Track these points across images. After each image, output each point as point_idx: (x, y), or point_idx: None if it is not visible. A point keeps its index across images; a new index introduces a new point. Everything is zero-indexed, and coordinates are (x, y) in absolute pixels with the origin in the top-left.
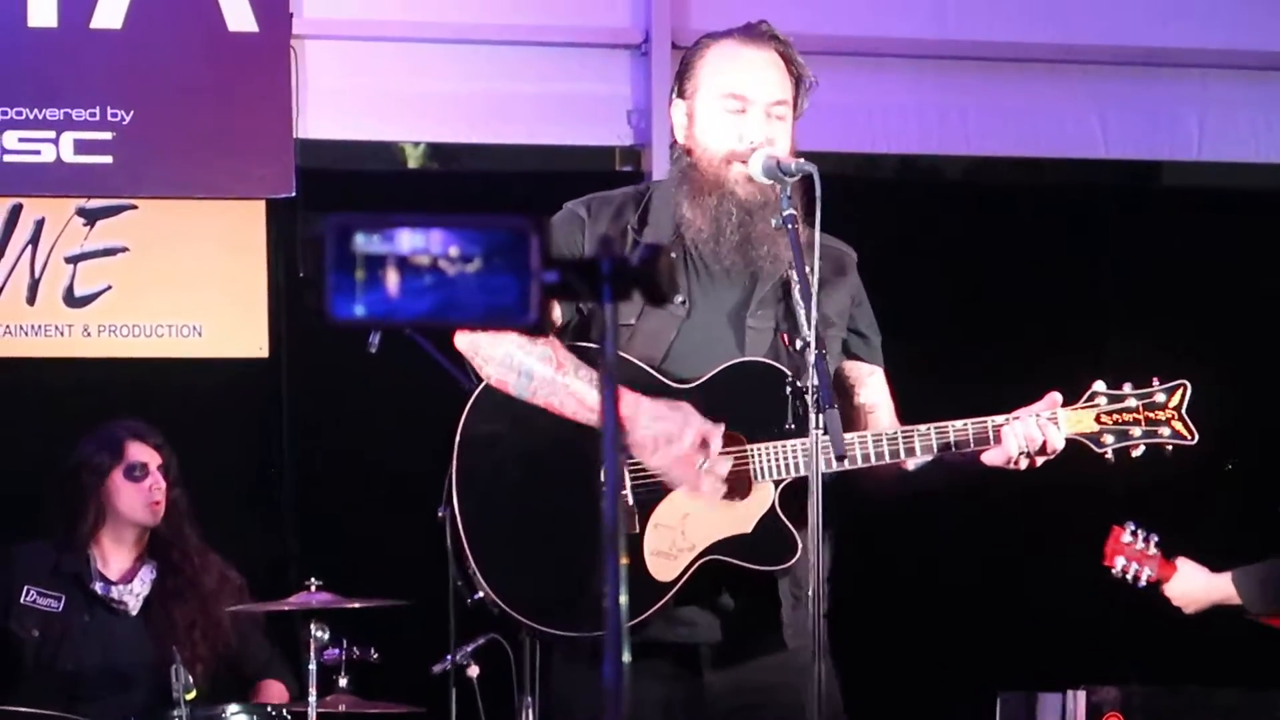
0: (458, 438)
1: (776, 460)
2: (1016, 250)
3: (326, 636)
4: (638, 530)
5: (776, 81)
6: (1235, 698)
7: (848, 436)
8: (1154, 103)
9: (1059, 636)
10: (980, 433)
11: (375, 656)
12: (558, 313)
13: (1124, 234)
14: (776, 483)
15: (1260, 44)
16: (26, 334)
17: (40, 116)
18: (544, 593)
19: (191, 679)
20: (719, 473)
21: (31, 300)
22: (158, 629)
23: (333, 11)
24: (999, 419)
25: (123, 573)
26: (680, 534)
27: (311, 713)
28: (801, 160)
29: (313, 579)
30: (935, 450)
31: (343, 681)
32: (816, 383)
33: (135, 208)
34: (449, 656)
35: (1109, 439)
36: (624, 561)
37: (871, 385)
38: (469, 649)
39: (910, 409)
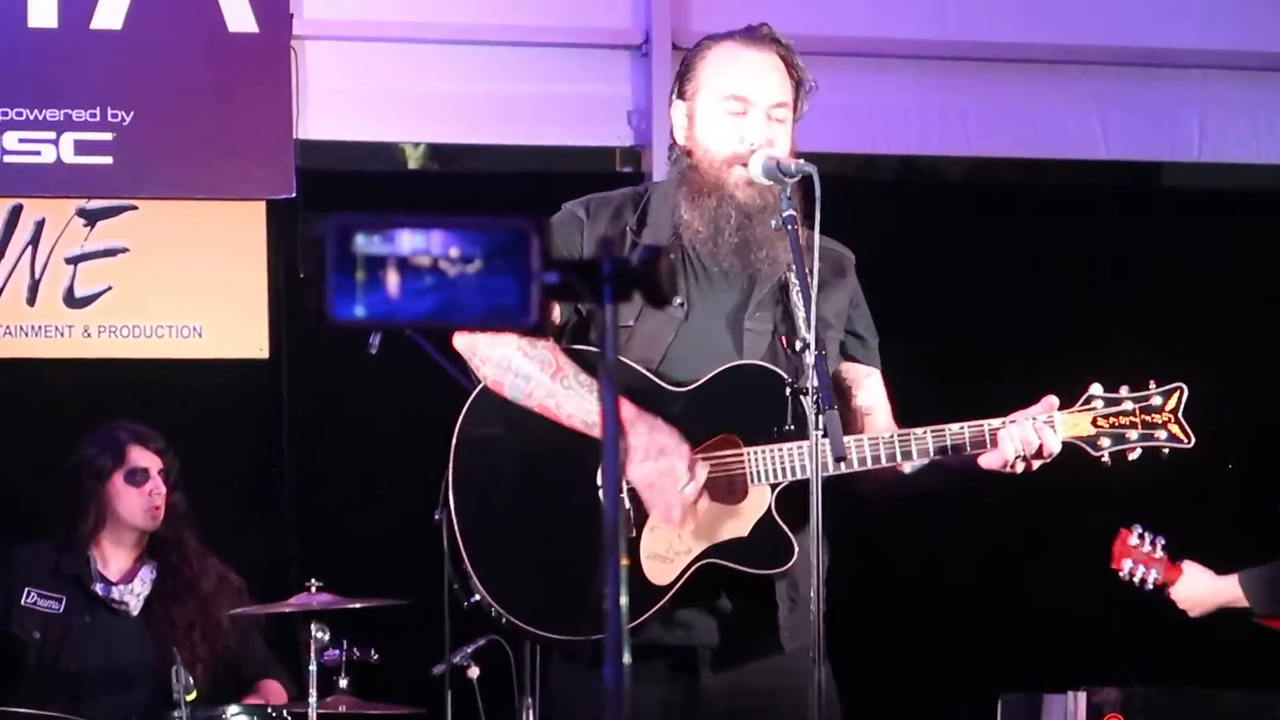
0: (454, 440)
1: (773, 463)
2: (1017, 251)
3: (327, 637)
4: (634, 534)
5: (777, 84)
6: (1236, 699)
7: (845, 439)
8: (1155, 104)
9: (1060, 638)
10: (977, 436)
11: (375, 657)
12: (556, 313)
13: (1124, 235)
14: (773, 486)
15: (1261, 45)
16: (27, 335)
17: (40, 117)
18: (540, 596)
19: (192, 680)
20: (687, 502)
21: (32, 301)
22: (158, 629)
23: (333, 12)
24: (995, 422)
25: (123, 573)
26: (677, 537)
27: (312, 713)
28: (801, 161)
29: (313, 580)
30: (932, 454)
31: (343, 682)
32: (816, 384)
33: (135, 208)
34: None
35: (1105, 442)
36: (624, 563)
37: (869, 388)
38: (469, 650)
39: (909, 410)
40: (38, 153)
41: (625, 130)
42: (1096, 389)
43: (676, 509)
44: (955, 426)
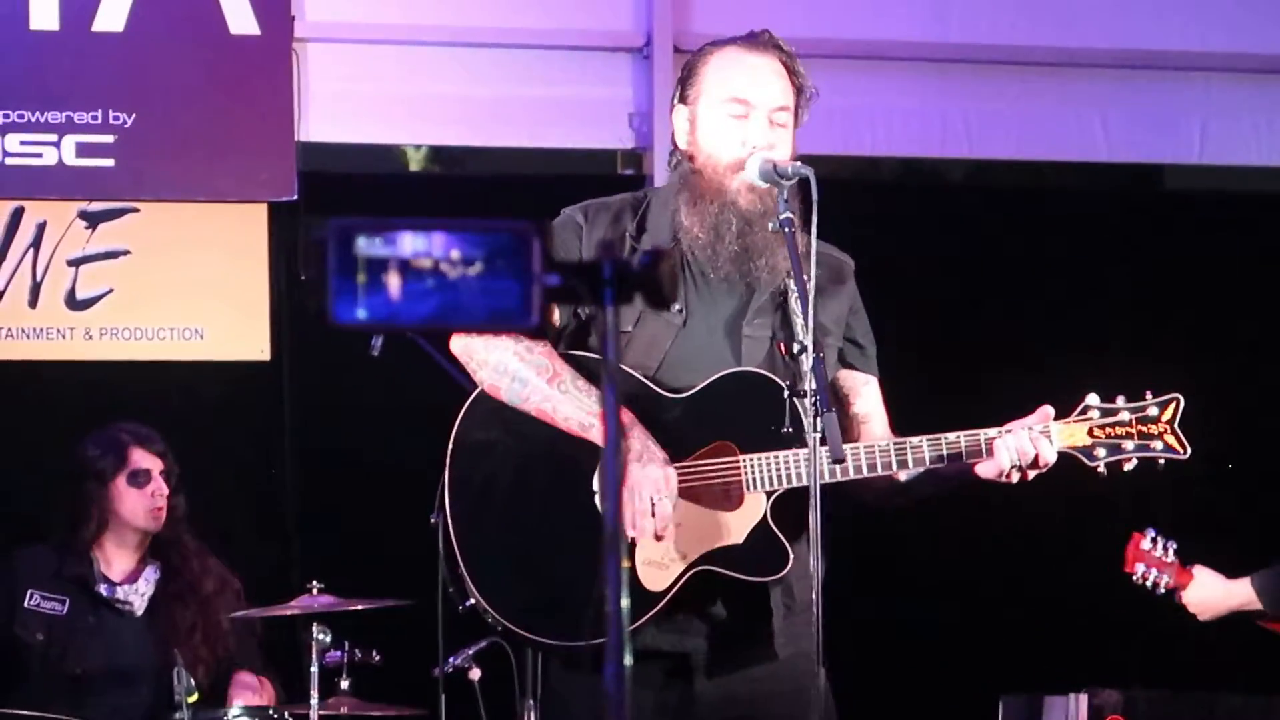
0: (450, 444)
1: (769, 471)
2: (1018, 253)
3: (328, 639)
4: (628, 541)
5: (779, 88)
6: (1238, 702)
7: (843, 446)
8: (1156, 106)
9: (1061, 639)
10: (973, 445)
11: (377, 658)
12: (555, 318)
13: (1126, 237)
14: (769, 493)
15: (1262, 47)
16: (28, 337)
17: (42, 119)
18: (534, 600)
19: (194, 681)
20: (662, 518)
21: (33, 303)
22: (161, 630)
23: (334, 14)
24: (991, 432)
25: (126, 574)
26: (672, 544)
27: (313, 714)
28: (798, 163)
29: (314, 582)
30: (928, 462)
31: (344, 684)
32: (814, 386)
33: (137, 211)
34: (450, 659)
35: (1101, 452)
36: (625, 565)
37: (866, 395)
38: (470, 652)
39: (909, 412)
40: (39, 155)
41: (627, 133)
42: (1093, 399)
43: (645, 520)
44: (952, 436)
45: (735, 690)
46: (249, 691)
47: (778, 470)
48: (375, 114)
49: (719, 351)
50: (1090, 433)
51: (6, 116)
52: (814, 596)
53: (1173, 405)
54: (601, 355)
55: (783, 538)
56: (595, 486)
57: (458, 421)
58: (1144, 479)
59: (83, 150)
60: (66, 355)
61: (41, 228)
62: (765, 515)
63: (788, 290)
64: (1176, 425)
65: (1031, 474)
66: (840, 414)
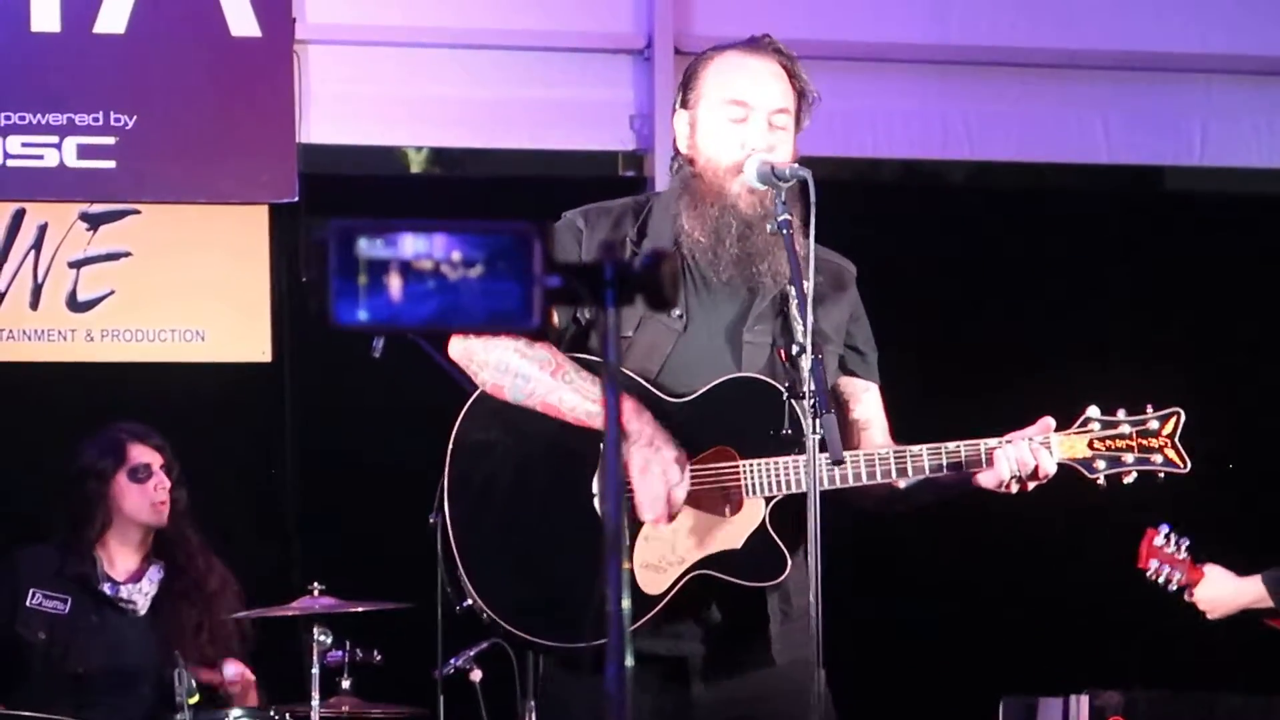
0: (450, 444)
1: (768, 476)
2: (1018, 254)
3: (329, 640)
4: (627, 543)
5: (779, 90)
6: (1238, 702)
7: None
8: (1156, 107)
9: (1062, 641)
10: (973, 455)
11: (378, 658)
12: (554, 321)
13: (1126, 238)
14: (768, 499)
15: (1263, 49)
16: (29, 339)
17: (43, 121)
18: (532, 602)
19: (194, 683)
20: (677, 501)
21: (35, 305)
22: (165, 630)
23: (335, 16)
24: (992, 442)
25: (130, 573)
26: (670, 548)
27: (314, 715)
28: (795, 165)
29: (315, 583)
30: (928, 471)
31: (345, 683)
32: (813, 388)
33: (138, 212)
34: (451, 660)
35: (1101, 465)
36: (626, 566)
37: (866, 402)
38: (471, 653)
39: (909, 414)
40: (40, 156)
41: (628, 135)
42: (1094, 411)
43: (661, 502)
44: (952, 445)
45: (732, 694)
46: (237, 669)
47: (777, 476)
48: (376, 116)
49: (720, 357)
50: (1090, 445)
51: (8, 118)
52: (812, 598)
53: (1173, 419)
54: (602, 357)
55: (781, 544)
56: (595, 488)
57: (458, 422)
58: (1147, 481)
59: (84, 152)
60: (67, 357)
61: (43, 229)
62: (764, 521)
63: (789, 296)
64: (1177, 439)
65: (1031, 485)
66: (840, 420)
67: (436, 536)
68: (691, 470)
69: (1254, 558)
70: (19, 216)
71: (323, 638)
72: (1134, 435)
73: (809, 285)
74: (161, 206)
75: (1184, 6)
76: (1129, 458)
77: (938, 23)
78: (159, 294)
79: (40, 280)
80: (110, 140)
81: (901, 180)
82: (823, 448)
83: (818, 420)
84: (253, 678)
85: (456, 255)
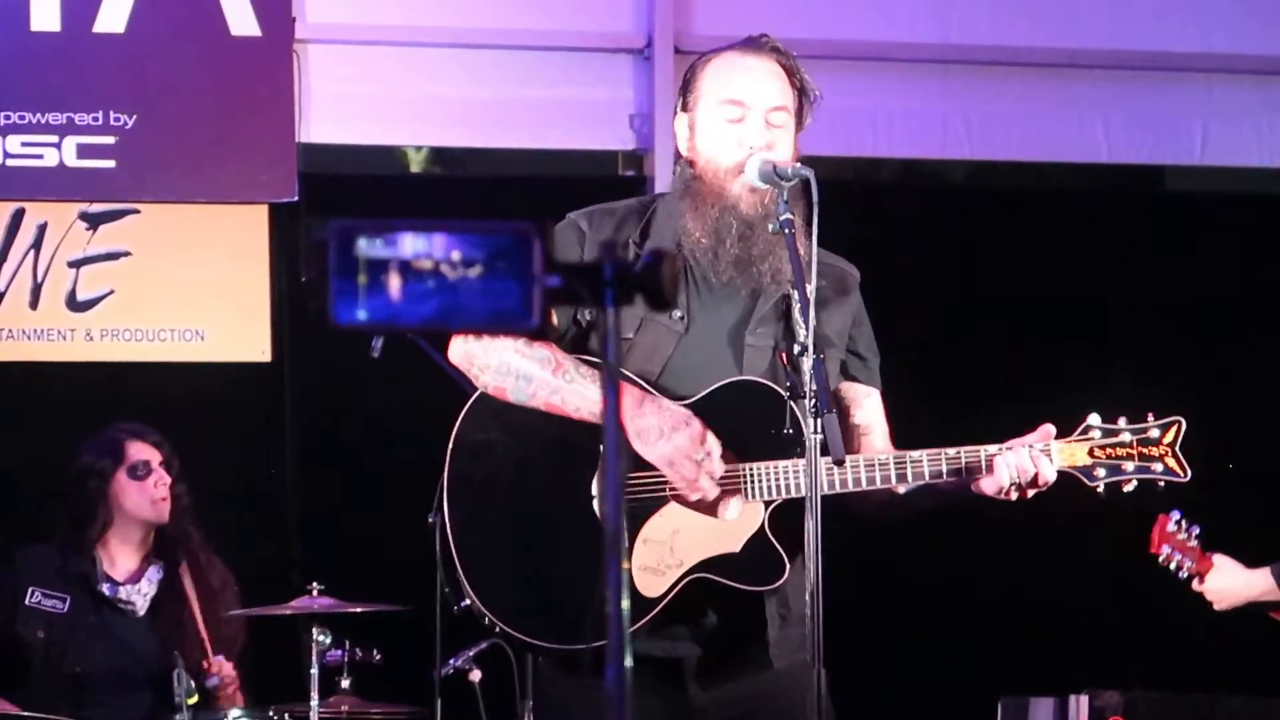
0: (450, 444)
1: (768, 480)
2: (1019, 254)
3: (329, 640)
4: (626, 544)
5: (776, 89)
6: (1238, 704)
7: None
8: (1157, 107)
9: (1062, 641)
10: (973, 461)
11: (378, 658)
12: (554, 322)
13: (1126, 237)
14: (767, 503)
15: (1263, 49)
16: (29, 338)
17: (43, 121)
18: (530, 603)
19: (194, 683)
20: (715, 471)
21: (34, 304)
22: (165, 630)
23: (335, 16)
24: (992, 448)
25: (130, 573)
26: (669, 550)
27: (314, 714)
28: (798, 164)
29: (315, 584)
30: (928, 477)
31: (345, 683)
32: (815, 388)
33: (138, 212)
34: (451, 661)
35: (1101, 472)
36: (625, 566)
37: (867, 407)
38: (471, 653)
39: (909, 412)
40: (40, 156)
41: (628, 134)
42: (1094, 419)
43: (702, 479)
44: (952, 451)
45: (729, 695)
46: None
47: (777, 480)
48: (376, 115)
49: (721, 360)
50: (1091, 453)
51: (7, 118)
52: (809, 597)
53: (1174, 428)
54: (602, 357)
55: (780, 548)
56: (594, 490)
57: (458, 422)
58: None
59: (84, 151)
60: (67, 356)
61: (42, 229)
62: (763, 525)
63: (791, 298)
64: (1178, 448)
65: (1031, 492)
66: (841, 424)
67: (435, 537)
68: None
69: (1255, 558)
70: (19, 216)
71: (322, 638)
72: (1134, 443)
73: (811, 285)
74: (161, 206)
75: (1184, 6)
76: (1129, 466)
77: (938, 22)
78: (159, 294)
79: (40, 280)
80: (110, 140)
81: (901, 180)
82: (824, 449)
83: (819, 420)
84: (235, 674)
85: (456, 255)
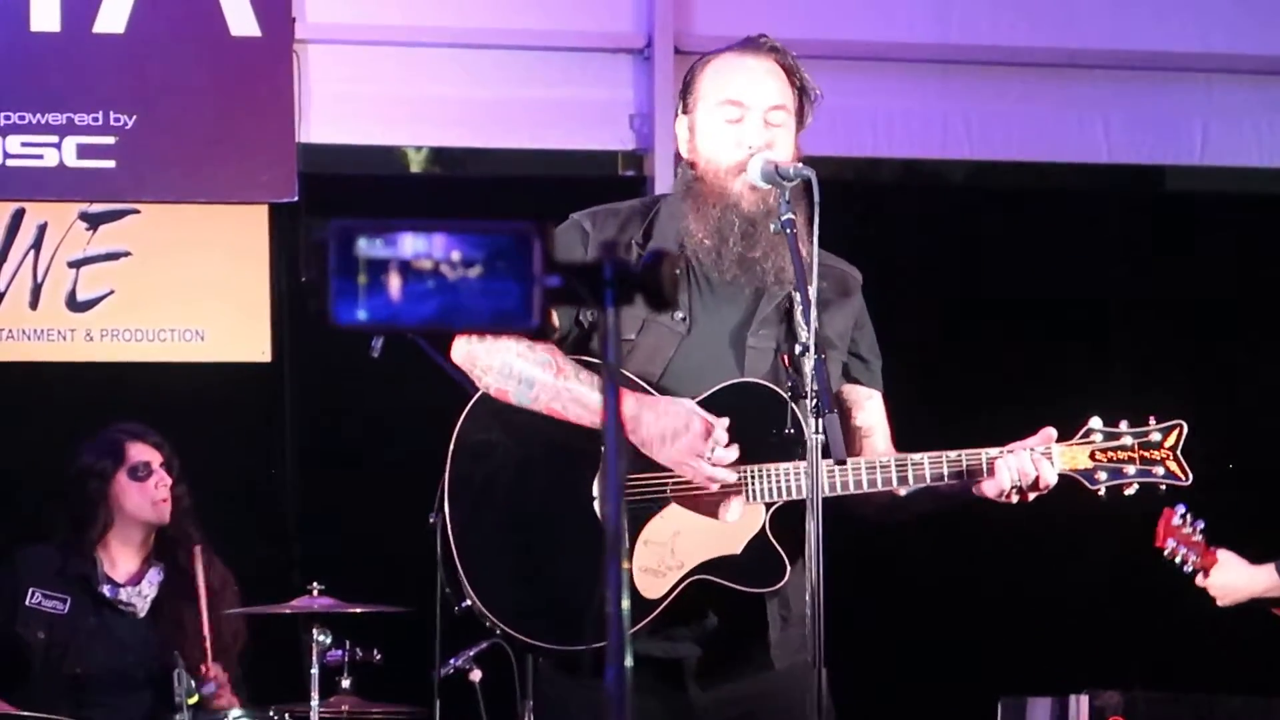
0: (451, 445)
1: (770, 482)
2: (1019, 254)
3: (329, 640)
4: (627, 545)
5: (774, 88)
6: (1238, 704)
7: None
8: (1157, 107)
9: (1061, 640)
10: (975, 464)
11: (378, 658)
12: (556, 323)
13: (1126, 237)
14: (768, 505)
15: (1263, 48)
16: (29, 338)
17: (43, 121)
18: (531, 604)
19: (194, 683)
20: (725, 460)
21: (34, 304)
22: (165, 631)
23: (335, 16)
24: (993, 451)
25: (130, 575)
26: (670, 552)
27: (314, 714)
28: (800, 165)
29: (315, 584)
30: (929, 479)
31: (345, 682)
32: (816, 387)
33: (138, 212)
34: (451, 661)
35: (1102, 476)
36: (625, 566)
37: (869, 409)
38: (471, 653)
39: (909, 412)
40: (40, 156)
41: (628, 134)
42: (1096, 422)
43: (717, 472)
44: (953, 453)
45: (730, 695)
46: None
47: (778, 482)
48: (376, 115)
49: (723, 361)
50: (1092, 456)
51: (7, 118)
52: (809, 597)
53: (1176, 431)
54: (602, 358)
55: (780, 550)
56: (595, 491)
57: (459, 422)
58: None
59: (84, 151)
60: (67, 356)
61: (42, 229)
62: (764, 527)
63: (793, 301)
64: (1179, 451)
65: (1032, 495)
66: (842, 426)
67: (436, 537)
68: None
69: (1255, 558)
70: (19, 216)
71: (322, 637)
72: (1136, 447)
73: (813, 286)
74: (161, 206)
75: (1184, 6)
76: (1130, 469)
77: (938, 22)
78: (159, 294)
79: (40, 280)
80: (110, 140)
81: (901, 180)
82: (825, 449)
83: (820, 420)
84: (226, 676)
85: (456, 255)
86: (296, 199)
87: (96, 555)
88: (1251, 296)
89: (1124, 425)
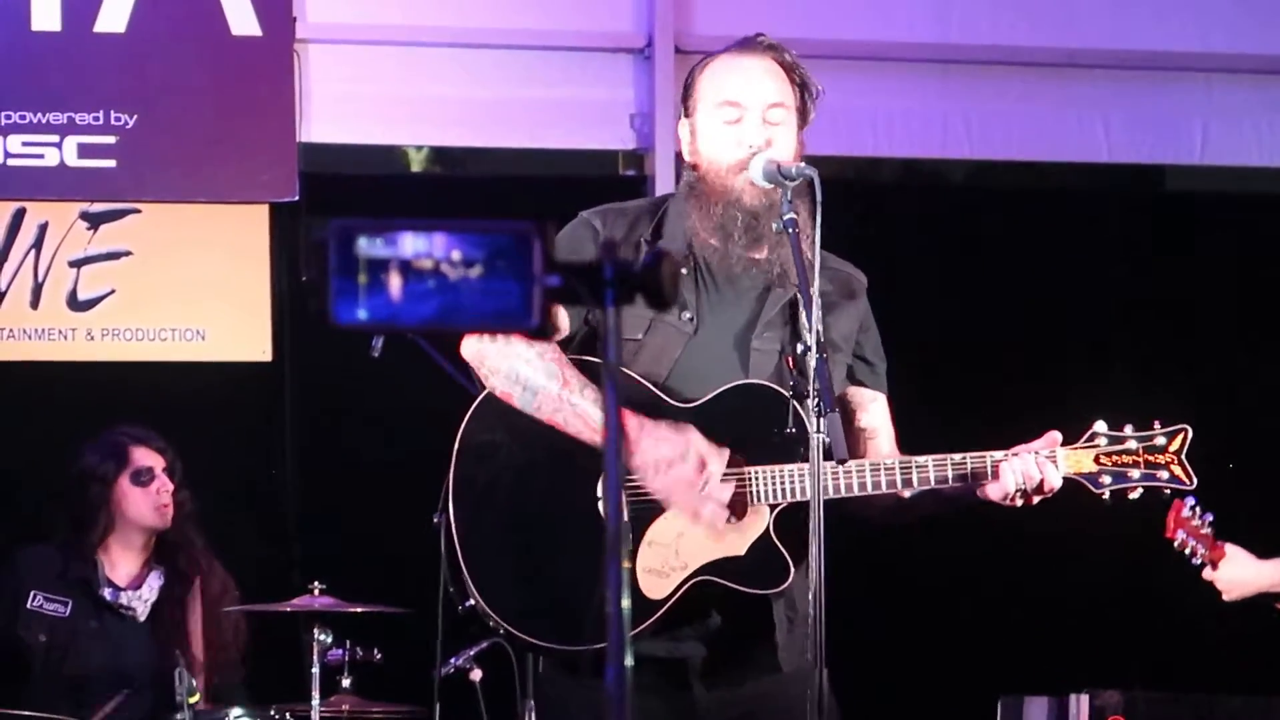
0: (456, 445)
1: (774, 484)
2: (1018, 254)
3: (329, 640)
4: (632, 547)
5: (772, 86)
6: (1238, 704)
7: (847, 464)
8: (1157, 107)
9: (1061, 640)
10: (979, 467)
11: (378, 657)
12: (565, 322)
13: (1126, 237)
14: (773, 507)
15: (1263, 48)
16: (30, 338)
17: (44, 120)
18: (535, 604)
19: (195, 682)
20: (720, 498)
21: (35, 304)
22: (165, 634)
23: (336, 15)
24: (998, 454)
25: (131, 578)
26: (674, 553)
27: (315, 714)
28: (802, 164)
29: (316, 583)
30: (933, 482)
31: (346, 682)
32: (817, 386)
33: (139, 212)
34: (451, 660)
35: (1107, 480)
36: (626, 565)
37: (873, 411)
38: (471, 653)
39: (909, 412)
40: (41, 156)
41: (628, 134)
42: (1100, 426)
43: (706, 507)
44: (958, 456)
45: (734, 696)
46: None
47: (782, 484)
48: (376, 115)
49: (728, 363)
50: (1097, 460)
51: (8, 117)
52: (811, 596)
53: (1180, 436)
54: (602, 357)
55: (785, 551)
56: (599, 492)
57: (464, 423)
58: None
59: (84, 151)
60: (68, 356)
61: (43, 229)
62: (768, 528)
63: (798, 303)
64: (1183, 456)
65: (1036, 499)
66: (847, 429)
67: (440, 537)
68: None
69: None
70: (19, 216)
71: (323, 637)
72: (1140, 451)
73: (815, 286)
74: (162, 206)
75: (1184, 6)
76: (1135, 473)
77: (938, 22)
78: (159, 293)
79: (40, 279)
80: (110, 139)
81: (901, 179)
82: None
83: (821, 420)
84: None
85: (456, 255)
86: (297, 199)
87: (97, 558)
88: (1251, 296)
89: (1129, 429)
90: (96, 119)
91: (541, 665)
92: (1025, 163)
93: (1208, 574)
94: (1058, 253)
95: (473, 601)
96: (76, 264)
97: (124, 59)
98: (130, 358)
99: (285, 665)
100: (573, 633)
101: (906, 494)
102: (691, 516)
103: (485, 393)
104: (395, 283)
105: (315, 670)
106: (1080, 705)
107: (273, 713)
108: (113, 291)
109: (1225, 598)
